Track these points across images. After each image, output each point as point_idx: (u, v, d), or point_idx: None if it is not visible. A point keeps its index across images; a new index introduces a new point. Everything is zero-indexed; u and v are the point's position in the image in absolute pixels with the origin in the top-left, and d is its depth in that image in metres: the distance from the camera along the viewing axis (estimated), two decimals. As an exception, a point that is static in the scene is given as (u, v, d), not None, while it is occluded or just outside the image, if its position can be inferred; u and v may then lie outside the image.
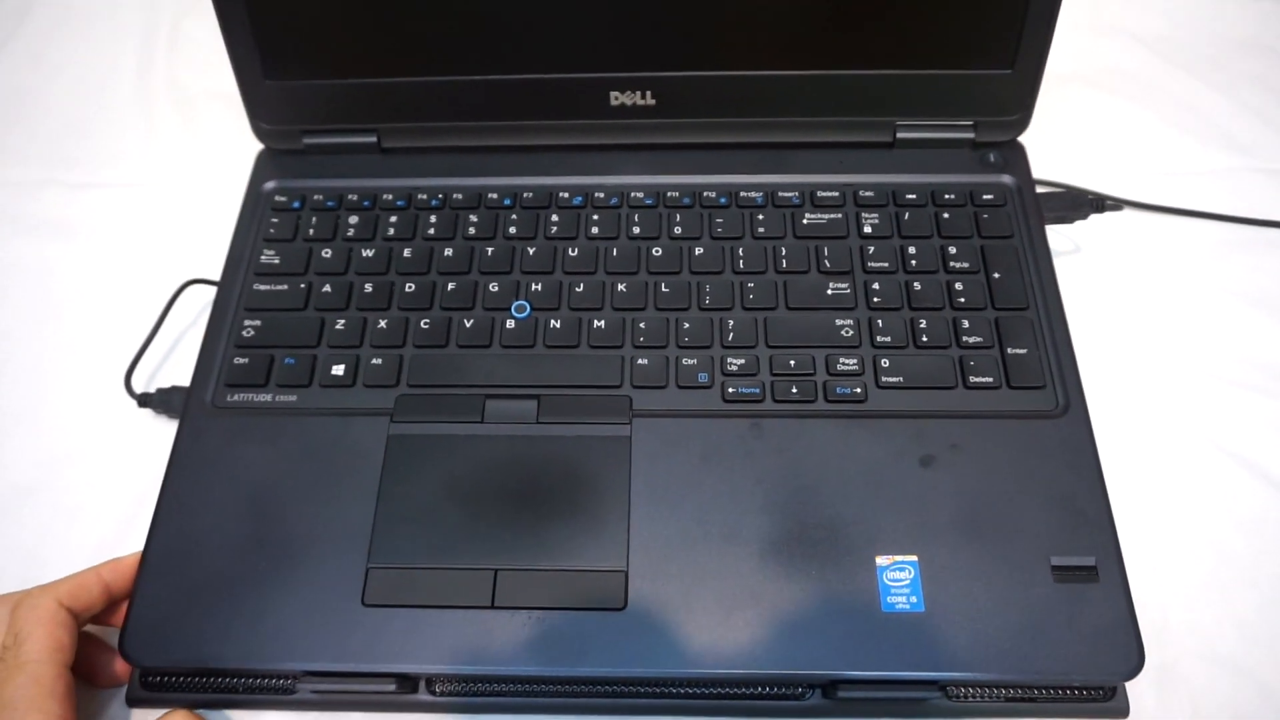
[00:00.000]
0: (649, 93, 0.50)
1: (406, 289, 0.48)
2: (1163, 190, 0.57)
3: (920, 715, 0.40)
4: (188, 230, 0.59)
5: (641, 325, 0.47)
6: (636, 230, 0.50)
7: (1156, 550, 0.45)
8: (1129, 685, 0.40)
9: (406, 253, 0.50)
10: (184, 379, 0.51)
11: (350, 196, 0.52)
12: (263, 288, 0.49)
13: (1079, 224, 0.52)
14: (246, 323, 0.48)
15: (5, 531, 0.47)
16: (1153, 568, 0.44)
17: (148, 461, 0.49)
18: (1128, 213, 0.56)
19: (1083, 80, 0.64)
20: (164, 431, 0.50)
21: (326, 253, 0.50)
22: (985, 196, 0.50)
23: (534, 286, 0.48)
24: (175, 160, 0.63)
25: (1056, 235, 0.55)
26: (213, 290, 0.55)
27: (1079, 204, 0.51)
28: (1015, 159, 0.51)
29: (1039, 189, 0.52)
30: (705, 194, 0.51)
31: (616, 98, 0.51)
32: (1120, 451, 0.47)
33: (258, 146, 0.55)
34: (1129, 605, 0.39)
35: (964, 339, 0.46)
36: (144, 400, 0.49)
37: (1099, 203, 0.51)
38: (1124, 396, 0.49)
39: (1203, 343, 0.51)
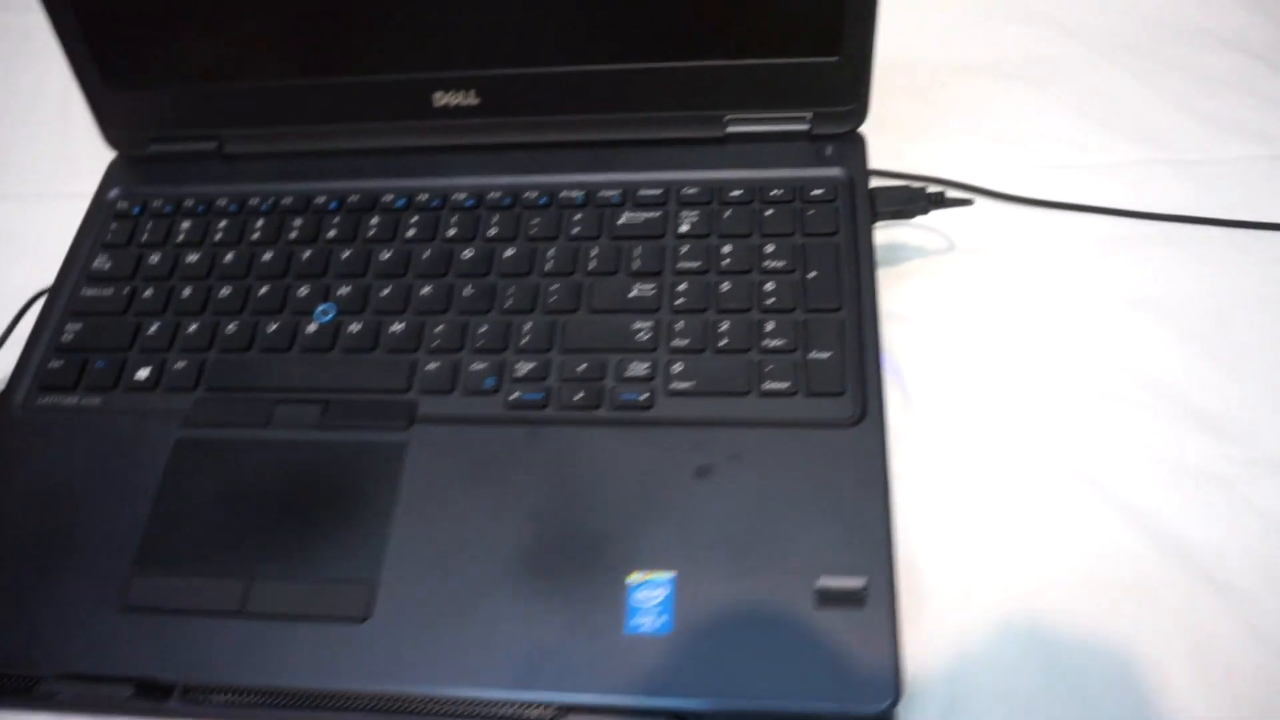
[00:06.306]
0: (472, 91, 0.49)
1: (221, 294, 0.48)
2: (1057, 184, 0.53)
3: None
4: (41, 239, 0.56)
5: (438, 329, 0.45)
6: (452, 232, 0.48)
7: (977, 578, 0.40)
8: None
9: (228, 258, 0.49)
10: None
11: (187, 202, 0.52)
12: (90, 292, 0.50)
13: (954, 220, 0.49)
14: (68, 326, 0.48)
15: None
16: (967, 596, 0.40)
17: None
18: (1009, 208, 0.52)
19: (994, 72, 0.60)
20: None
21: (154, 258, 0.50)
22: (815, 192, 0.47)
23: (341, 290, 0.47)
24: (34, 167, 0.63)
25: (925, 233, 0.51)
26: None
27: (915, 198, 0.46)
28: (852, 152, 0.48)
29: (886, 183, 0.48)
30: (525, 194, 0.49)
31: (440, 98, 0.49)
32: (959, 471, 0.43)
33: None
34: (892, 633, 0.36)
35: (765, 343, 0.43)
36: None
37: (938, 197, 0.47)
38: (971, 407, 0.45)
39: (1072, 349, 0.47)
